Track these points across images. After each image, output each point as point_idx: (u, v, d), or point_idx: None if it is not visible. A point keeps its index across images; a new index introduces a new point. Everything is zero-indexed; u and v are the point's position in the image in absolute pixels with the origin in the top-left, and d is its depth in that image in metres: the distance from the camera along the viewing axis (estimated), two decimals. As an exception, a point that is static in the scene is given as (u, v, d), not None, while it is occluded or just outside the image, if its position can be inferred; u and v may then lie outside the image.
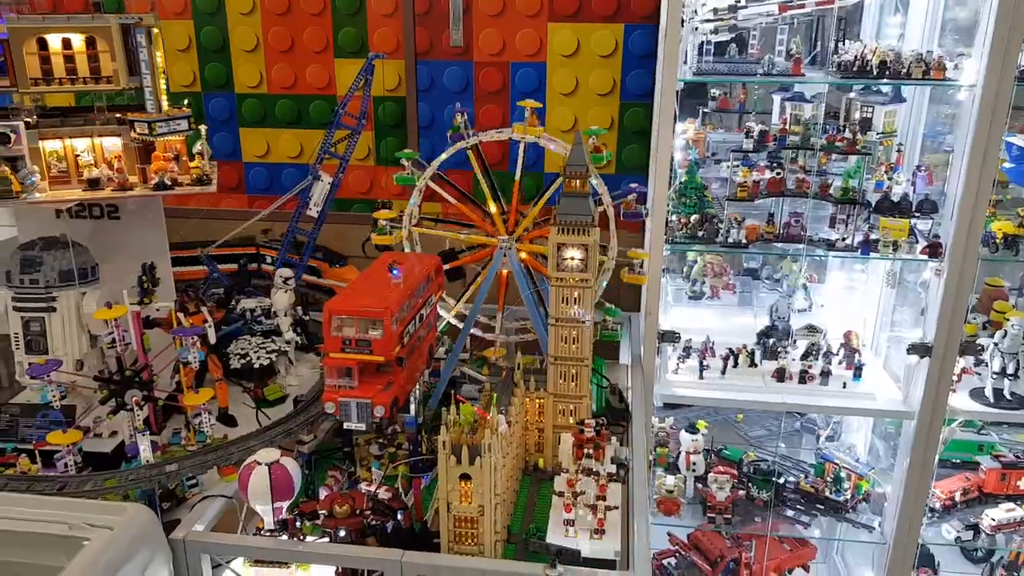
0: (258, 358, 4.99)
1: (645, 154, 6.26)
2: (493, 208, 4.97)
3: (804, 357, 5.62)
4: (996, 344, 5.34)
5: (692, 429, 5.79)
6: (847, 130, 5.36)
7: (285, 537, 3.61)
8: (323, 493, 4.02)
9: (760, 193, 5.39)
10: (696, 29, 5.10)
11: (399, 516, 3.67)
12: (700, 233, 5.37)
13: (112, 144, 4.96)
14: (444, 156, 5.01)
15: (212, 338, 4.71)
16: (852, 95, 5.56)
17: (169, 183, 4.94)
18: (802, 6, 5.22)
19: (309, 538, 3.62)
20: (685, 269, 6.51)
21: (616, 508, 3.68)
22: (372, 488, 3.91)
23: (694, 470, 5.74)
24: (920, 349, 5.20)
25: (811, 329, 5.73)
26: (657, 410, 5.72)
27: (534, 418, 4.37)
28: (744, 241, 5.33)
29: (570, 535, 3.62)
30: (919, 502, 5.48)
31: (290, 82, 6.72)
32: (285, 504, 3.66)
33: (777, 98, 5.78)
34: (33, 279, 4.68)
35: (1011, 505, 5.71)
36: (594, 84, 6.34)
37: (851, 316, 6.19)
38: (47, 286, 4.69)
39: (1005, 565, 6.15)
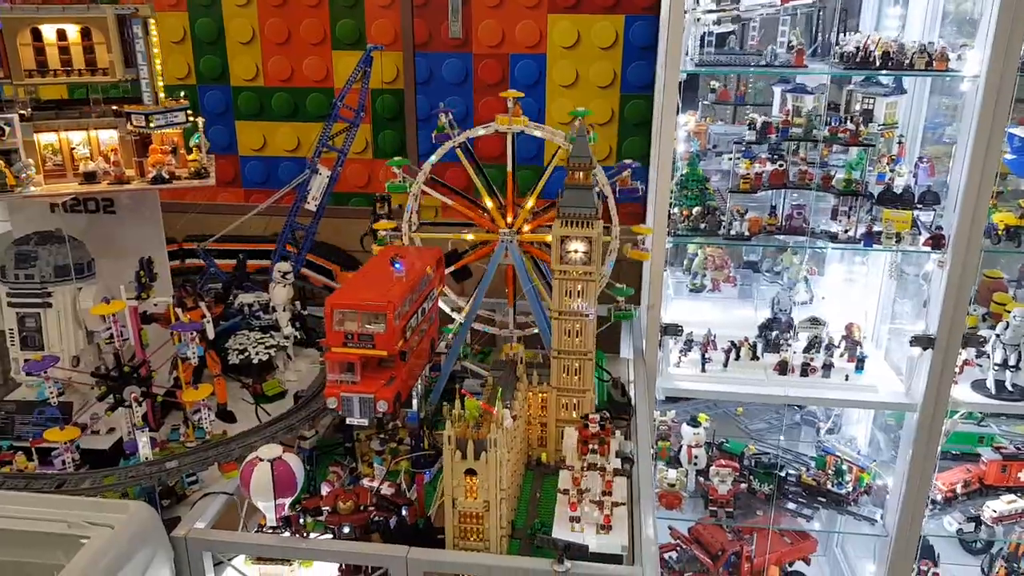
0: (257, 353, 4.94)
1: (646, 146, 6.22)
2: (490, 203, 4.92)
3: (806, 350, 5.61)
4: (998, 336, 5.35)
5: (694, 423, 5.78)
6: (850, 121, 5.33)
7: (288, 534, 3.57)
8: (325, 489, 3.98)
9: (762, 185, 5.37)
10: (698, 20, 5.06)
11: (403, 512, 3.64)
12: (702, 225, 5.36)
13: (108, 137, 4.88)
14: (434, 159, 4.96)
15: (210, 333, 4.66)
16: (852, 87, 5.54)
17: (167, 176, 4.88)
18: (804, -5, 5.20)
19: (312, 535, 3.58)
20: (686, 262, 6.49)
21: (623, 503, 3.65)
22: (375, 484, 3.87)
23: (696, 464, 5.73)
24: (923, 341, 5.20)
25: (813, 322, 5.72)
26: (658, 404, 5.70)
27: (537, 412, 4.35)
28: (747, 233, 5.32)
29: (576, 530, 3.59)
30: (921, 494, 5.48)
31: (287, 74, 6.65)
32: (288, 501, 3.63)
33: (778, 90, 5.75)
34: (28, 274, 4.61)
35: (1012, 496, 5.73)
36: (594, 76, 6.30)
37: (852, 308, 6.18)
38: (42, 281, 4.63)
39: (1005, 556, 6.18)
